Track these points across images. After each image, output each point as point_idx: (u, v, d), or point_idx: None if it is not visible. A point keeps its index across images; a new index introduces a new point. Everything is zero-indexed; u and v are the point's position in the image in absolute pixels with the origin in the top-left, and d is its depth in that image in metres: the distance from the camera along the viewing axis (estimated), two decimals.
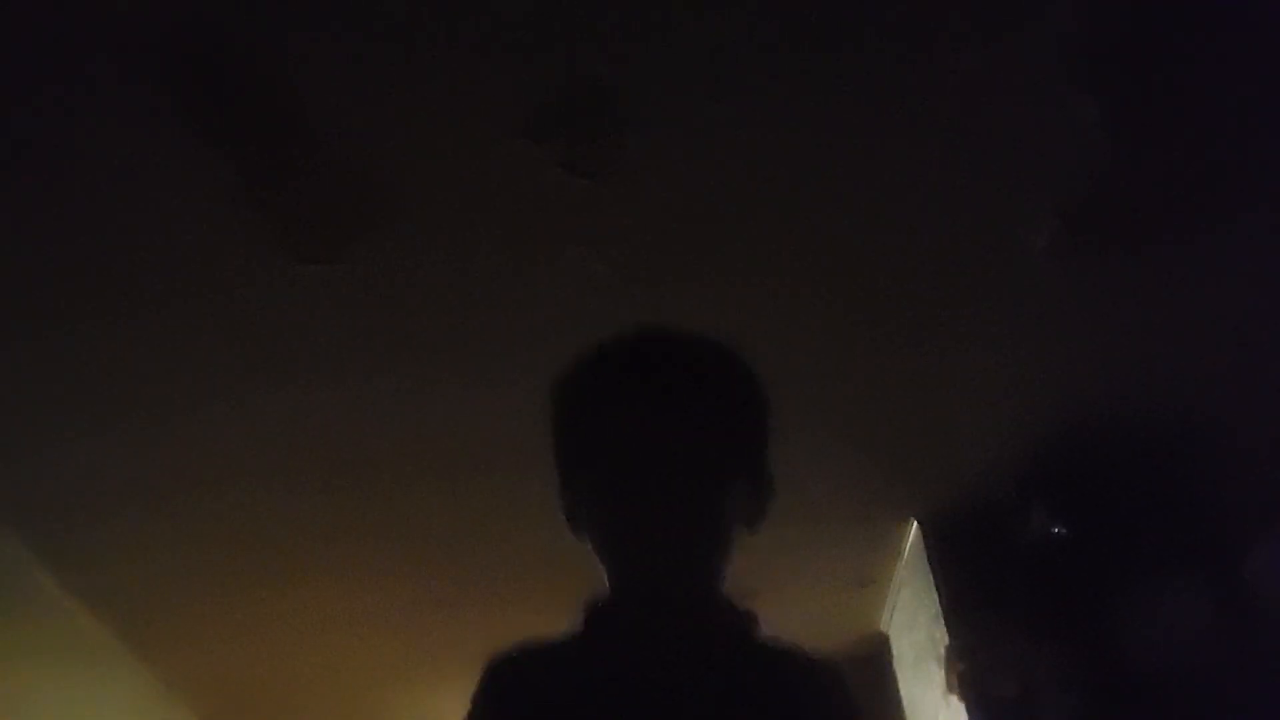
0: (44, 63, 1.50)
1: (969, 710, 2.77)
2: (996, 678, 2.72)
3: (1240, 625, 2.57)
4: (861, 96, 1.71)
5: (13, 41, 1.47)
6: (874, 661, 3.64)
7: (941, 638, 2.88)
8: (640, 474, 1.01)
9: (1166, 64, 1.72)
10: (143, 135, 1.63)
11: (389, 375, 2.22)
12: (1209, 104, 1.80)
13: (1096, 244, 2.06)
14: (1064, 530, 2.74)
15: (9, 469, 2.35)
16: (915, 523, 3.05)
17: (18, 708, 2.58)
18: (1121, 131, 1.81)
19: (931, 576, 2.94)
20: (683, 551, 1.01)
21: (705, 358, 1.11)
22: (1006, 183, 1.91)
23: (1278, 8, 1.67)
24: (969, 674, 2.77)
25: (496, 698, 0.98)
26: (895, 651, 3.59)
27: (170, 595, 2.95)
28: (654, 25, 1.56)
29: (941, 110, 1.75)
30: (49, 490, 2.45)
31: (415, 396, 2.28)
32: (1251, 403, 2.58)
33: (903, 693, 3.54)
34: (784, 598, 3.36)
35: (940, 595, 2.89)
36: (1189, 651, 2.51)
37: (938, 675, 2.93)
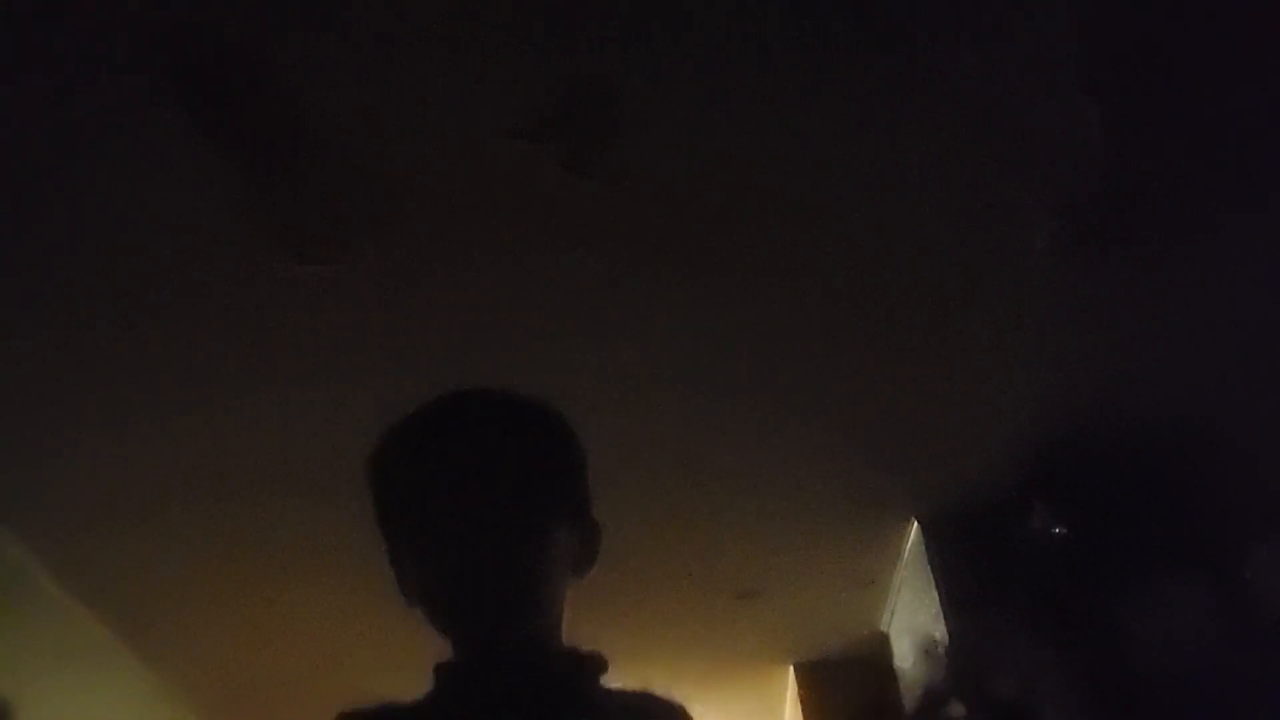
0: (43, 63, 1.50)
1: (969, 710, 2.77)
2: (996, 678, 2.71)
3: (1241, 626, 2.57)
4: (861, 96, 1.71)
5: (12, 41, 1.47)
6: (874, 661, 3.64)
7: (941, 638, 2.88)
8: (457, 532, 1.02)
9: (1167, 65, 1.72)
10: (143, 135, 1.63)
11: (389, 376, 2.21)
12: (1209, 104, 1.80)
13: (1096, 244, 2.06)
14: (1064, 530, 2.74)
15: (10, 470, 2.35)
16: (915, 523, 3.05)
17: (18, 708, 2.57)
18: (1121, 131, 1.81)
19: (931, 576, 2.94)
20: (510, 606, 1.02)
21: (513, 413, 1.12)
22: (1007, 182, 1.91)
23: (1278, 8, 1.67)
24: (969, 674, 2.77)
25: None
26: (895, 651, 3.59)
27: (170, 595, 2.95)
28: (654, 25, 1.56)
29: (942, 110, 1.75)
30: (50, 491, 2.44)
31: (416, 397, 2.28)
32: (1252, 403, 2.58)
33: (903, 693, 3.54)
34: (784, 597, 3.36)
35: (940, 595, 2.88)
36: (1189, 652, 2.51)
37: (938, 675, 2.93)
